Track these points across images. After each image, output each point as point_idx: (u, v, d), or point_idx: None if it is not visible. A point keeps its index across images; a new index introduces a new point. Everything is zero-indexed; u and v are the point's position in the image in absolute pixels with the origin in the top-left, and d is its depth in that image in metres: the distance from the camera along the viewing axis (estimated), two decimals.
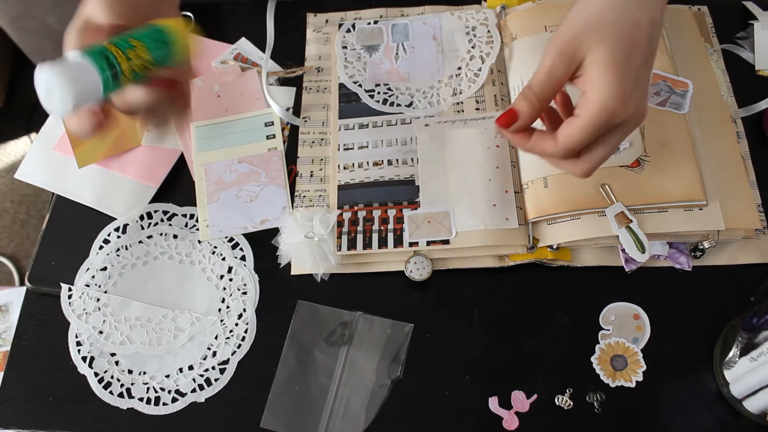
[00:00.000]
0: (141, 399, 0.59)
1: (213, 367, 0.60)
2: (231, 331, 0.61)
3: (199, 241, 0.65)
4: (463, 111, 0.67)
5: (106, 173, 0.68)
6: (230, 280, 0.63)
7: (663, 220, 0.60)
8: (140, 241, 0.65)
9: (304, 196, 0.66)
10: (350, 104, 0.70)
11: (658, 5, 0.49)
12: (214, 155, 0.68)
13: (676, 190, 0.60)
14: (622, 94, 0.46)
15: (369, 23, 0.74)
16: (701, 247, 0.60)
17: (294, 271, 0.63)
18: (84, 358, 0.61)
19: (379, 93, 0.70)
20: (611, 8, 0.48)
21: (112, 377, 0.60)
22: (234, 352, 0.61)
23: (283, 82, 0.73)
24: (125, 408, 0.59)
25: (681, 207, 0.60)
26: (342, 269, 0.63)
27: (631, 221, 0.59)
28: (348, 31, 0.74)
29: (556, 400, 0.57)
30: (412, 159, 0.65)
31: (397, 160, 0.66)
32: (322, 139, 0.69)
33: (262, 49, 0.74)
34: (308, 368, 0.59)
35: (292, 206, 0.65)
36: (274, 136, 0.69)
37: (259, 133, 0.69)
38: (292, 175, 0.67)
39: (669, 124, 0.63)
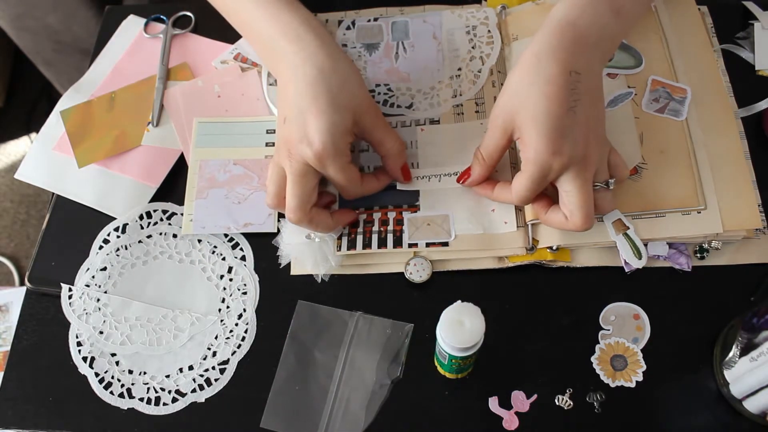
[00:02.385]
0: (141, 399, 0.59)
1: (213, 367, 0.60)
2: (231, 331, 0.61)
3: (199, 241, 0.65)
4: (463, 113, 0.67)
5: (106, 173, 0.68)
6: (230, 280, 0.63)
7: (661, 224, 0.60)
8: (140, 241, 0.65)
9: None
10: None
11: (575, 55, 0.53)
12: (211, 153, 0.68)
13: (674, 198, 0.60)
14: (548, 147, 0.52)
15: (369, 20, 0.74)
16: (706, 247, 0.60)
17: (294, 272, 0.63)
18: (84, 359, 0.61)
19: (379, 93, 0.70)
20: (527, 73, 0.54)
21: (112, 377, 0.60)
22: (234, 352, 0.61)
23: None
24: (125, 408, 0.59)
25: (679, 212, 0.60)
26: (342, 270, 0.63)
27: (629, 228, 0.59)
28: (348, 28, 0.74)
29: (556, 400, 0.57)
30: (412, 164, 0.65)
31: None
32: None
33: None
34: (308, 368, 0.59)
35: (278, 215, 0.65)
36: (273, 144, 0.69)
37: (260, 138, 0.69)
38: None
39: (667, 131, 0.63)
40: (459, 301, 0.49)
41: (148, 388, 0.60)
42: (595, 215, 0.57)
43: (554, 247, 0.61)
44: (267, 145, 0.69)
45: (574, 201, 0.54)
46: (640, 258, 0.59)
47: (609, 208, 0.59)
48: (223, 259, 0.64)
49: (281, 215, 0.64)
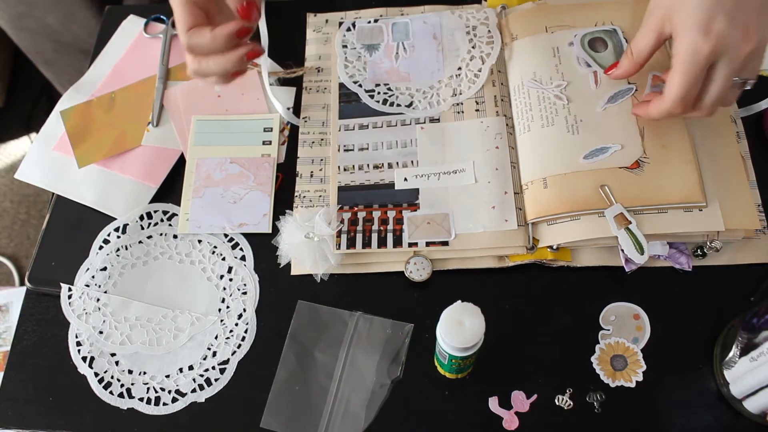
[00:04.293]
0: (141, 399, 0.59)
1: (213, 367, 0.60)
2: (231, 331, 0.61)
3: (199, 241, 0.65)
4: (462, 112, 0.67)
5: (106, 173, 0.68)
6: (230, 280, 0.63)
7: (663, 220, 0.60)
8: (140, 241, 0.65)
9: (304, 197, 0.66)
10: (350, 104, 0.70)
11: None
12: (208, 151, 0.69)
13: (676, 192, 0.60)
14: (699, 25, 0.51)
15: (369, 21, 0.74)
16: (710, 245, 0.60)
17: (294, 272, 0.63)
18: (84, 358, 0.61)
19: (379, 93, 0.70)
20: None
21: (112, 377, 0.60)
22: (234, 352, 0.61)
23: (283, 82, 0.73)
24: (125, 408, 0.59)
25: (681, 208, 0.60)
26: (342, 270, 0.63)
27: (630, 222, 0.59)
28: (348, 29, 0.74)
29: (556, 400, 0.57)
30: (412, 162, 0.65)
31: (397, 163, 0.66)
32: (322, 140, 0.69)
33: None
34: (308, 368, 0.59)
35: (274, 215, 0.65)
36: (270, 143, 0.69)
37: (257, 137, 0.69)
38: (278, 183, 0.67)
39: (669, 126, 0.62)
40: (459, 301, 0.49)
41: (148, 388, 0.60)
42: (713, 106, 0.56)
43: (554, 247, 0.61)
44: (264, 143, 0.69)
45: (714, 92, 0.53)
46: (642, 253, 0.59)
47: (731, 102, 0.58)
48: (223, 259, 0.64)
49: (277, 216, 0.65)
